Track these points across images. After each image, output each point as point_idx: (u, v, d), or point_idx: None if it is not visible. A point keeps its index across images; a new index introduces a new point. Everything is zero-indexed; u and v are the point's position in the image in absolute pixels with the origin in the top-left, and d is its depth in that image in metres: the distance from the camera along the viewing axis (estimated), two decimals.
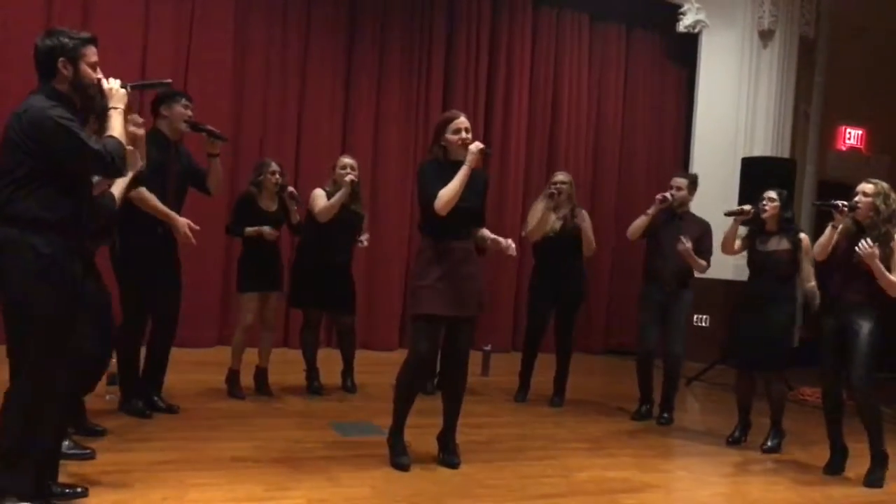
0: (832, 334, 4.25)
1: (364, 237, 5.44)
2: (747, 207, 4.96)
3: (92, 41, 3.00)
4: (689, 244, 5.06)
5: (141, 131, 3.76)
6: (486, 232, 4.03)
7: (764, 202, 4.77)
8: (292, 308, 5.53)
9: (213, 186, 4.70)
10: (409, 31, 7.64)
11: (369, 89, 7.49)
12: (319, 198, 5.21)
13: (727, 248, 4.98)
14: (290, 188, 5.23)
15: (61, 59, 2.91)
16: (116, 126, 2.97)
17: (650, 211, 5.29)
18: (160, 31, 6.65)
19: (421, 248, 3.96)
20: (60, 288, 2.83)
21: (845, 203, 4.16)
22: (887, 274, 4.01)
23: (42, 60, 2.94)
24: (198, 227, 4.34)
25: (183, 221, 4.29)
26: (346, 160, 5.33)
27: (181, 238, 4.32)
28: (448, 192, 3.74)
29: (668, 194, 5.29)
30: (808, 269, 4.71)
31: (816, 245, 4.31)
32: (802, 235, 4.76)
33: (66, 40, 2.93)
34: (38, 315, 2.80)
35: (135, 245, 4.21)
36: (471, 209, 3.87)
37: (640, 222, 5.33)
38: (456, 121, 3.86)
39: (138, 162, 3.71)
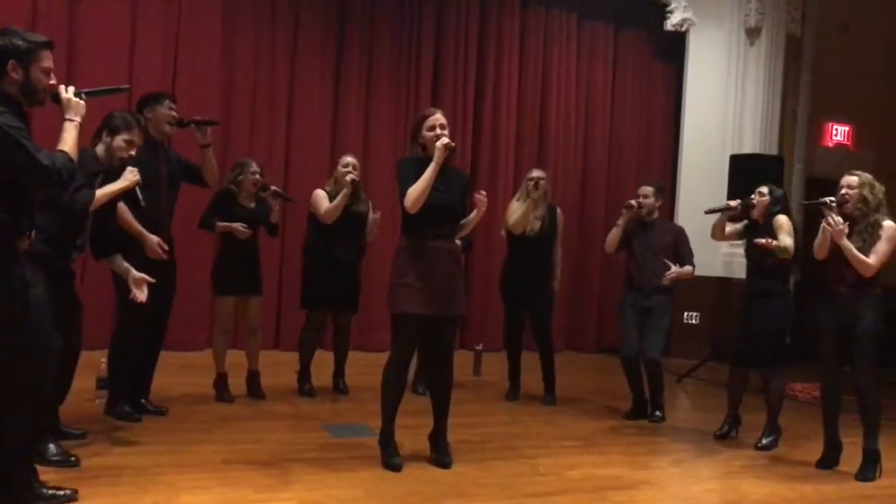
0: (831, 329, 4.22)
1: (373, 218, 5.40)
2: (733, 203, 4.95)
3: (47, 45, 2.84)
4: (673, 270, 5.13)
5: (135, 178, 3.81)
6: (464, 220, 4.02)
7: (753, 197, 4.79)
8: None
9: (210, 178, 4.71)
10: (398, 32, 7.65)
11: (358, 90, 7.49)
12: (322, 199, 5.22)
13: (716, 234, 5.02)
14: (274, 186, 5.21)
15: (11, 61, 2.75)
16: (69, 140, 2.80)
17: (620, 222, 5.35)
18: (147, 31, 6.62)
19: (399, 246, 3.92)
20: None
21: (833, 199, 4.16)
22: (854, 250, 4.00)
23: None
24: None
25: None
26: (349, 159, 5.33)
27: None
28: (415, 189, 3.74)
29: (634, 201, 5.33)
30: (784, 239, 4.57)
31: (815, 246, 4.21)
32: (781, 217, 4.68)
33: (19, 42, 2.76)
34: None
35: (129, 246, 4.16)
36: (450, 206, 3.86)
37: (614, 234, 5.39)
38: (431, 118, 3.87)
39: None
